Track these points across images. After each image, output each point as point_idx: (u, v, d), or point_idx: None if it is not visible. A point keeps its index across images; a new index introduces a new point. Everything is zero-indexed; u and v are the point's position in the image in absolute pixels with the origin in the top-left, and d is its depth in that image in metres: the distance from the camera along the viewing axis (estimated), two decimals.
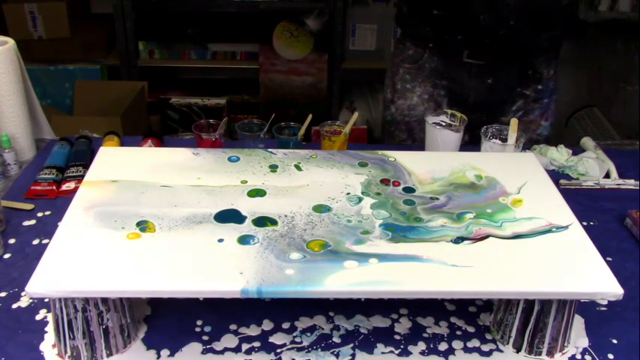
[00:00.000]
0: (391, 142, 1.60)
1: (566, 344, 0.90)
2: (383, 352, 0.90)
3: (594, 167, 1.37)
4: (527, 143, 1.51)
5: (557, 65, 1.52)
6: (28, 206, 1.19)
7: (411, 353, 0.89)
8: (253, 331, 0.92)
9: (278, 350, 0.89)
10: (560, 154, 1.39)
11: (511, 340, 0.90)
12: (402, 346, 0.91)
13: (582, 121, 2.66)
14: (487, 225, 0.93)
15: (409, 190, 1.02)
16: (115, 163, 1.05)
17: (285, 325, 0.93)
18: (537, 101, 1.50)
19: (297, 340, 0.91)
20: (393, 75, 1.55)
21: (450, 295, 0.87)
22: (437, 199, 1.00)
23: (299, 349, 0.89)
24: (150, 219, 0.91)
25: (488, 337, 0.93)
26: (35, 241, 1.09)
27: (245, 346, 0.89)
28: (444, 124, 1.31)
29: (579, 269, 0.85)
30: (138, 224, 0.90)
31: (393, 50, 1.59)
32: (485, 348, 0.91)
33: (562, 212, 0.97)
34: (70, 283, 0.79)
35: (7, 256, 1.05)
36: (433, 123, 1.30)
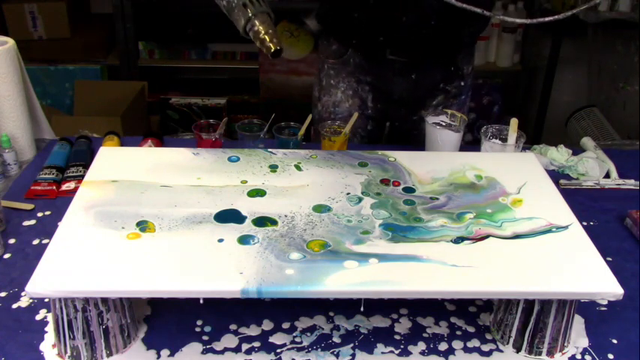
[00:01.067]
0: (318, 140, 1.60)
1: (566, 344, 0.90)
2: (383, 352, 0.89)
3: (594, 167, 1.37)
4: None
5: (473, 62, 1.54)
6: (28, 206, 1.19)
7: (411, 353, 0.89)
8: (253, 331, 0.92)
9: (278, 350, 0.89)
10: (560, 154, 1.39)
11: (511, 340, 0.90)
12: (402, 346, 0.90)
13: (582, 121, 2.66)
14: (487, 225, 0.93)
15: (409, 190, 1.02)
16: (115, 163, 1.05)
17: (285, 325, 0.93)
18: (456, 97, 1.52)
19: (297, 340, 0.91)
20: (320, 72, 1.55)
21: (450, 295, 0.87)
22: (437, 199, 1.00)
23: (299, 349, 0.89)
24: (150, 219, 0.91)
25: (488, 337, 0.93)
26: (35, 241, 1.09)
27: (245, 346, 0.89)
28: (444, 124, 1.31)
29: (579, 269, 0.85)
30: (138, 224, 0.90)
31: (320, 47, 1.57)
32: (485, 348, 0.91)
33: (562, 212, 0.97)
34: (70, 283, 0.79)
35: (7, 256, 1.05)
36: (433, 123, 1.30)
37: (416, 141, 1.52)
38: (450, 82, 1.49)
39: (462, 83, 1.51)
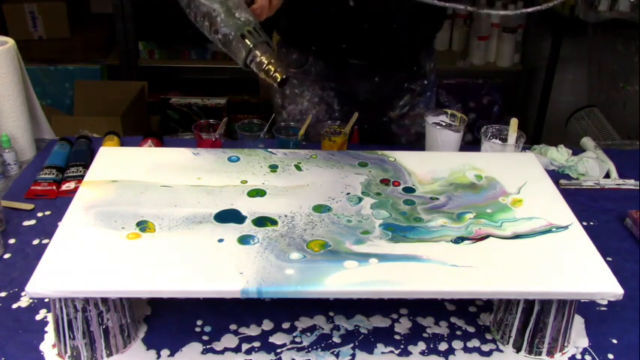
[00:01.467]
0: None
1: (566, 344, 0.90)
2: (383, 352, 0.89)
3: (594, 167, 1.37)
4: (414, 137, 1.55)
5: (435, 58, 1.54)
6: (28, 206, 1.19)
7: (411, 353, 0.89)
8: (253, 331, 0.92)
9: (278, 350, 0.89)
10: (560, 154, 1.39)
11: (511, 340, 0.90)
12: (402, 346, 0.90)
13: (582, 121, 2.66)
14: (487, 225, 0.93)
15: (409, 190, 1.02)
16: (115, 163, 1.05)
17: (285, 325, 0.93)
18: (422, 95, 1.53)
19: (297, 340, 0.91)
20: None
21: (450, 295, 0.87)
22: (437, 199, 1.00)
23: (299, 349, 0.89)
24: (150, 219, 0.91)
25: (488, 337, 0.93)
26: (35, 241, 1.09)
27: (245, 346, 0.89)
28: (444, 124, 1.31)
29: (579, 269, 0.85)
30: (138, 224, 0.90)
31: (277, 52, 1.54)
32: (485, 348, 0.91)
33: (562, 212, 0.97)
34: (70, 283, 0.79)
35: (7, 256, 1.05)
36: (433, 123, 1.30)
37: (387, 142, 1.53)
38: (413, 81, 1.50)
39: (426, 81, 1.52)
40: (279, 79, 0.98)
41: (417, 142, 1.52)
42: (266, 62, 0.98)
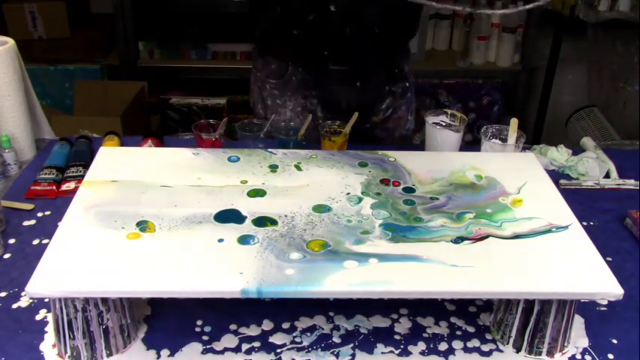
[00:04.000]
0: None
1: (566, 344, 0.90)
2: (383, 352, 0.89)
3: (594, 167, 1.37)
4: (399, 140, 1.55)
5: (411, 59, 1.55)
6: (28, 206, 1.19)
7: (411, 353, 0.89)
8: (253, 331, 0.92)
9: (278, 350, 0.89)
10: (560, 154, 1.39)
11: (511, 340, 0.90)
12: (402, 346, 0.90)
13: (582, 121, 2.66)
14: (487, 225, 0.93)
15: (409, 190, 1.02)
16: (115, 163, 1.05)
17: (285, 325, 0.93)
18: (403, 96, 1.53)
19: (297, 340, 0.91)
20: (261, 90, 1.50)
21: (450, 295, 0.87)
22: (437, 199, 1.00)
23: (299, 349, 0.89)
24: (150, 219, 0.91)
25: (488, 337, 0.93)
26: (35, 241, 1.09)
27: (245, 346, 0.89)
28: (444, 124, 1.31)
29: (579, 269, 0.85)
30: (138, 224, 0.90)
31: (253, 62, 1.53)
32: (485, 348, 0.91)
33: (562, 212, 0.97)
34: (70, 283, 0.79)
35: (7, 256, 1.05)
36: (433, 123, 1.30)
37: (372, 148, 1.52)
38: (394, 83, 1.50)
39: (407, 83, 1.52)
40: None
41: (403, 146, 1.52)
42: None
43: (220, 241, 0.87)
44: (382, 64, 1.46)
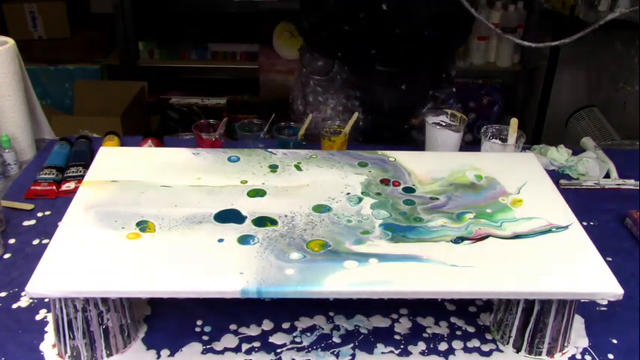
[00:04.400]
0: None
1: (566, 344, 0.90)
2: (383, 352, 0.89)
3: (594, 167, 1.37)
4: None
5: (455, 65, 1.54)
6: (28, 206, 1.19)
7: (411, 353, 0.89)
8: (253, 331, 0.92)
9: (278, 350, 0.89)
10: (560, 154, 1.39)
11: (511, 340, 0.90)
12: (402, 346, 0.90)
13: (582, 121, 2.66)
14: (487, 225, 0.93)
15: (409, 190, 1.02)
16: (115, 163, 1.05)
17: (285, 325, 0.93)
18: (445, 102, 1.51)
19: (297, 340, 0.91)
20: (304, 86, 1.50)
21: (450, 295, 0.87)
22: (437, 199, 1.00)
23: (299, 349, 0.89)
24: (150, 219, 0.91)
25: (488, 337, 0.93)
26: (35, 241, 1.09)
27: (245, 346, 0.89)
28: (444, 124, 1.31)
29: (579, 269, 0.85)
30: (138, 224, 0.90)
31: (300, 58, 1.52)
32: (485, 348, 0.91)
33: (562, 212, 0.97)
34: (70, 283, 0.79)
35: (7, 256, 1.05)
36: (433, 123, 1.30)
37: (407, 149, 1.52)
38: (439, 88, 1.49)
39: (454, 89, 1.50)
40: None
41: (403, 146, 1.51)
42: None
43: (220, 241, 0.87)
44: (429, 68, 1.44)
